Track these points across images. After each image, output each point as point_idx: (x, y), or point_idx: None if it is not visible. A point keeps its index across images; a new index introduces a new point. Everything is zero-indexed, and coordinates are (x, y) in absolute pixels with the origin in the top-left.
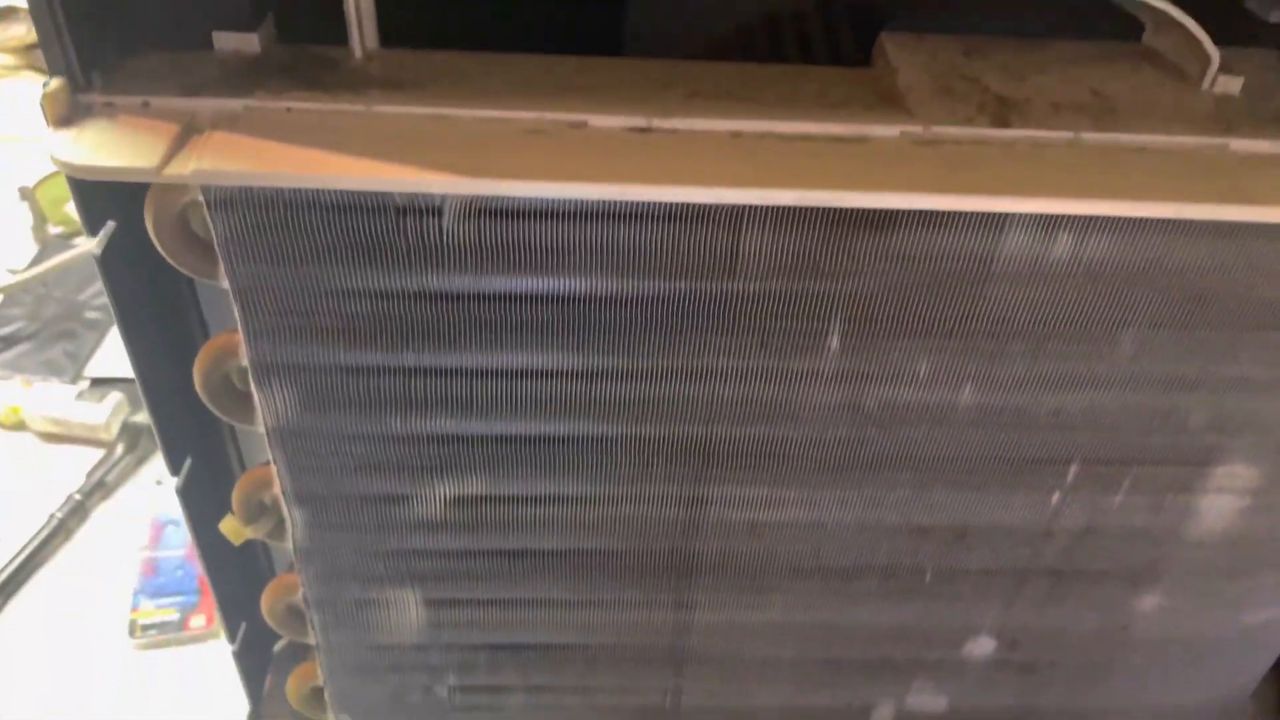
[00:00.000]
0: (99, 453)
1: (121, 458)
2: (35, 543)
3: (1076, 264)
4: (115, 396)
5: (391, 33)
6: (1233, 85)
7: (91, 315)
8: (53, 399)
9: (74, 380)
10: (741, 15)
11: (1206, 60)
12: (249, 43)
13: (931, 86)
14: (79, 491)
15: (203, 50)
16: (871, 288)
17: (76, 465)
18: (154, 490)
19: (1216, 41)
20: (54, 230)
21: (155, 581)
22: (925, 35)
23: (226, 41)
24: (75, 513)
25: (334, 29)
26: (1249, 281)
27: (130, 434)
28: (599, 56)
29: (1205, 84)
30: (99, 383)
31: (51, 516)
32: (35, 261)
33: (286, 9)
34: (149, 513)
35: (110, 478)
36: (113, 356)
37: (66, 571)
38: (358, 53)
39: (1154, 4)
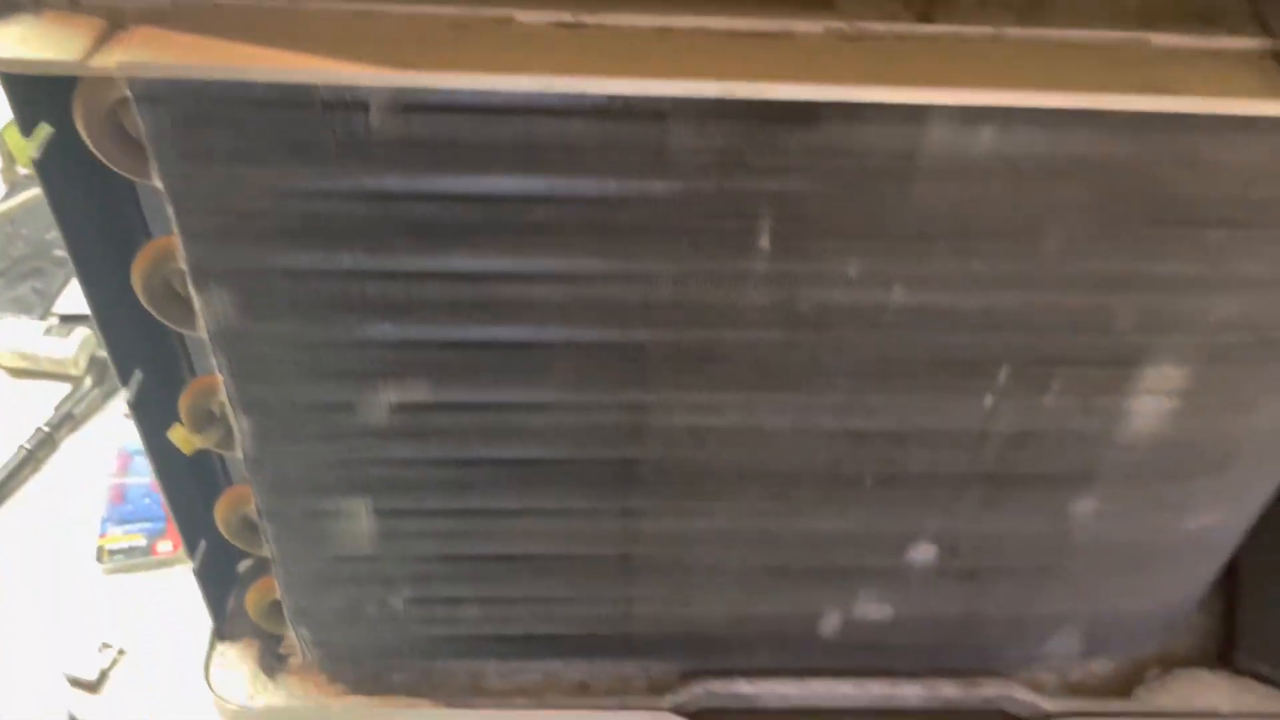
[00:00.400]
0: (68, 387)
1: (90, 391)
2: (4, 473)
3: (999, 159)
4: (83, 332)
5: None
6: None
7: (59, 253)
8: (21, 335)
9: (43, 317)
10: None
11: None
12: None
13: None
14: (47, 424)
15: None
16: (799, 186)
17: (46, 399)
18: (122, 422)
19: None
20: (22, 172)
21: (122, 509)
22: None
23: None
24: (44, 444)
25: None
26: (1171, 176)
27: (98, 368)
28: None
29: None
30: (67, 319)
31: (20, 448)
32: (3, 201)
33: None
34: (117, 443)
35: (78, 410)
36: (81, 294)
37: (36, 501)
38: None
39: None
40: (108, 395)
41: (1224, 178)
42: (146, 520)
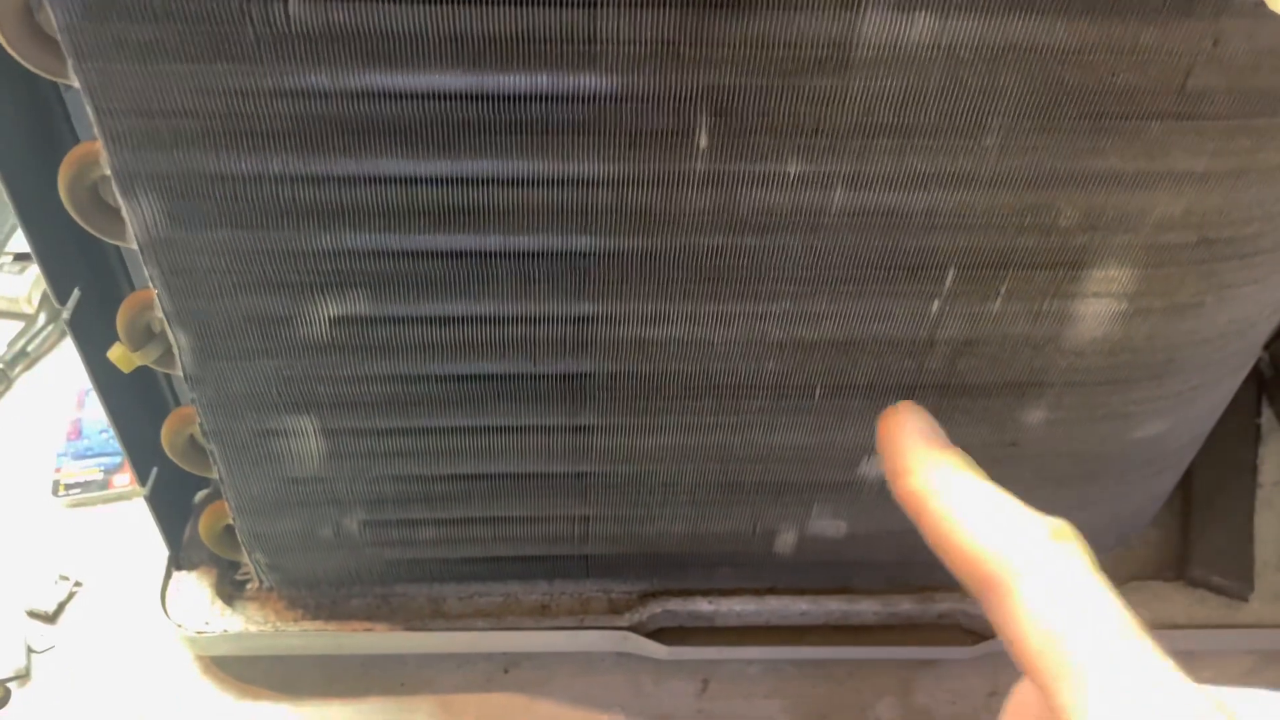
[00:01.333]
0: (22, 325)
1: (44, 328)
2: None
3: (936, 49)
4: (36, 269)
5: None
6: None
7: None
8: None
9: None
10: None
11: None
12: None
13: None
14: (0, 361)
15: None
16: (734, 81)
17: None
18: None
19: None
20: None
21: (79, 444)
22: None
23: None
24: None
25: None
26: (1109, 64)
27: (53, 307)
28: None
29: None
30: (20, 257)
31: None
32: None
33: None
34: (73, 380)
35: (32, 348)
36: None
37: None
38: None
39: None
40: (63, 334)
41: (1162, 66)
42: (104, 455)
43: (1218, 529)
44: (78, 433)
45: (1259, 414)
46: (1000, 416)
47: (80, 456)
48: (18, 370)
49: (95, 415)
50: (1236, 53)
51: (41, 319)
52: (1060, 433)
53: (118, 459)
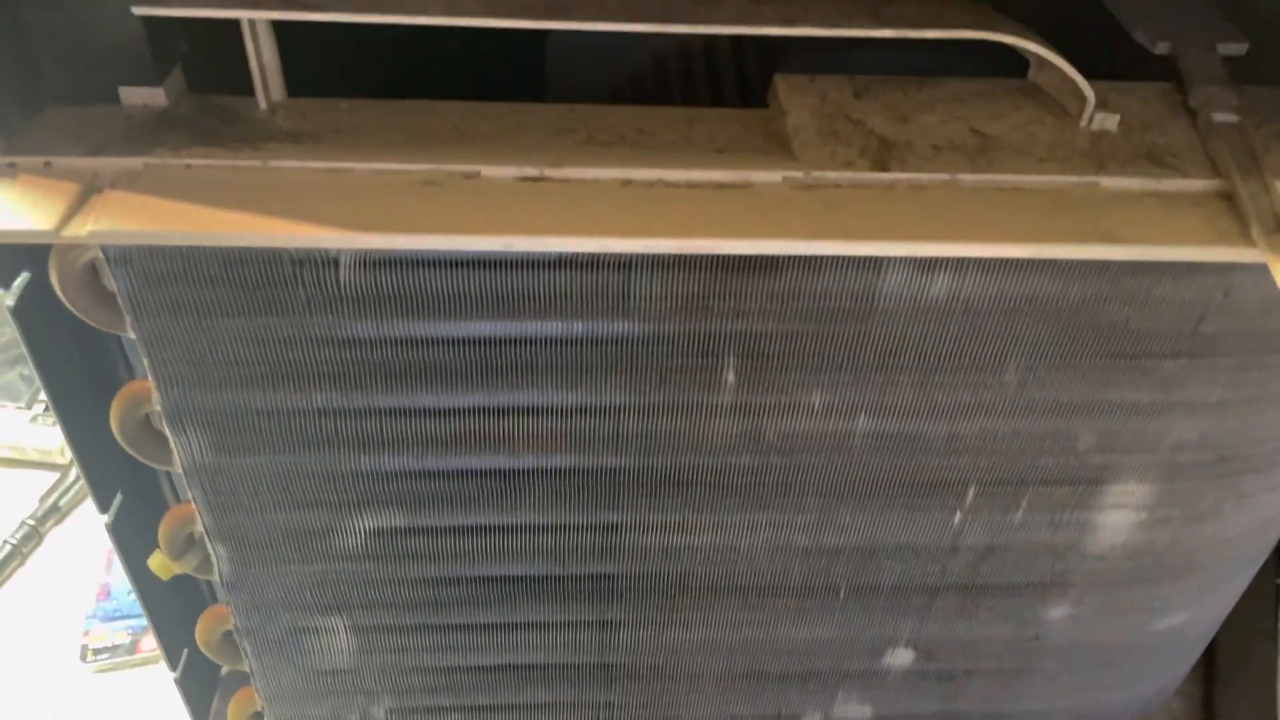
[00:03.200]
0: (54, 476)
1: (75, 481)
2: None
3: (955, 300)
4: None
5: (314, 82)
6: (1109, 122)
7: None
8: (7, 424)
9: (29, 405)
10: (655, 51)
11: (1085, 98)
12: (155, 96)
13: (818, 129)
14: (32, 517)
15: (111, 104)
16: (761, 326)
17: (32, 490)
18: None
19: (1108, 69)
20: None
21: (107, 605)
22: (819, 76)
23: (133, 96)
24: (29, 538)
25: (248, 75)
26: (1123, 314)
27: None
28: (502, 102)
29: (1084, 121)
30: None
31: (4, 543)
32: None
33: (198, 59)
34: (102, 536)
35: (64, 502)
36: None
37: (21, 596)
38: (263, 104)
39: (1032, 49)
40: None
41: (1175, 313)
42: (131, 617)
43: (1241, 697)
44: (106, 594)
45: (1279, 574)
46: (1023, 613)
47: (109, 619)
48: (48, 525)
49: (123, 578)
50: (1247, 300)
51: (74, 473)
52: (1082, 627)
53: (145, 621)
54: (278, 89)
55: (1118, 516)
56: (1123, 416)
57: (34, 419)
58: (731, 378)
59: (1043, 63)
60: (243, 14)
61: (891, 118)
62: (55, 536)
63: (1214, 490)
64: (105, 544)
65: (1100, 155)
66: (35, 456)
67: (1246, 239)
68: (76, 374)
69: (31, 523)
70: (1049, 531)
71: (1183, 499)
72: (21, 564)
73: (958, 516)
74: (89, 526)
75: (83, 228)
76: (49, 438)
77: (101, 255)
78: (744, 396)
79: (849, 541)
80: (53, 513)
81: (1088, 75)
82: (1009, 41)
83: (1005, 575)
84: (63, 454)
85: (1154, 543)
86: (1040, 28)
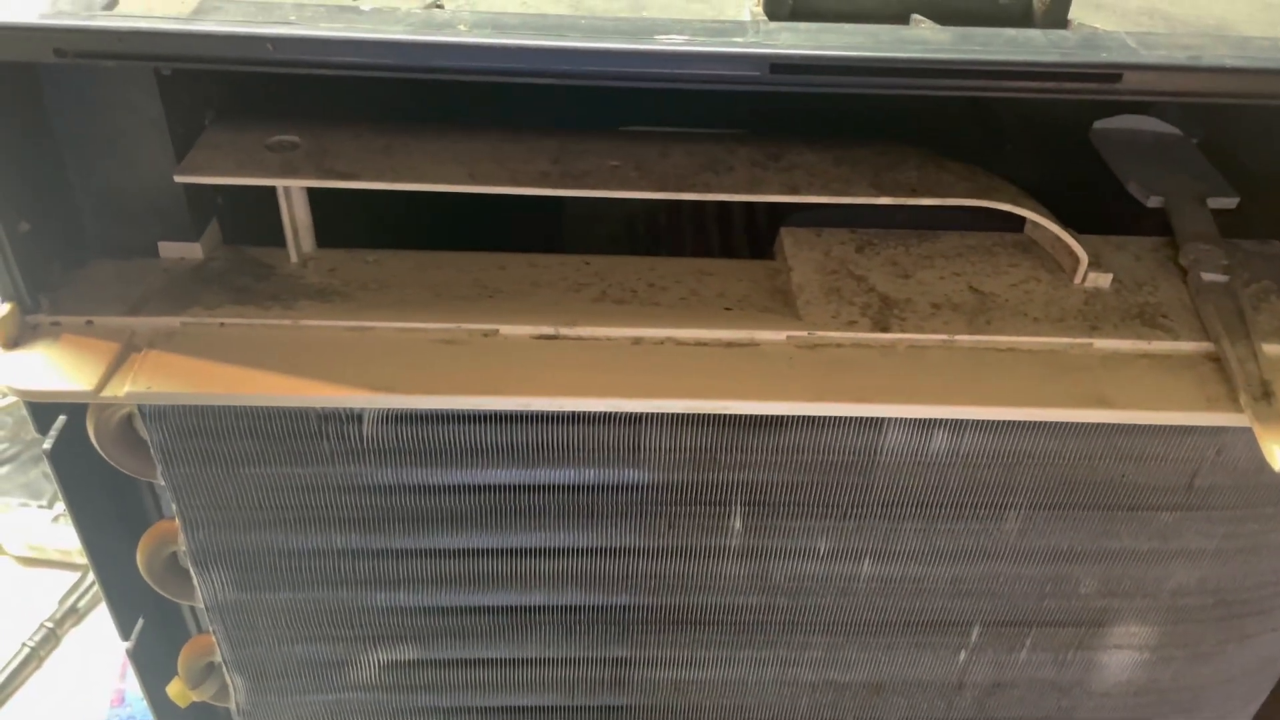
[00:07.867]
0: (75, 575)
1: (94, 584)
2: (7, 671)
3: (954, 456)
4: None
5: (345, 232)
6: (1103, 280)
7: None
8: (29, 524)
9: (51, 504)
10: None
11: (1078, 258)
12: (192, 251)
13: (821, 286)
14: (50, 619)
15: (149, 258)
16: (767, 477)
17: (52, 589)
18: None
19: (1102, 222)
20: None
21: (121, 711)
22: (824, 230)
23: (172, 250)
24: (47, 640)
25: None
26: (1118, 470)
27: None
28: (520, 254)
29: (1077, 279)
30: None
31: (23, 645)
32: None
33: (234, 213)
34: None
35: (82, 604)
36: None
37: (38, 700)
38: (294, 258)
39: (1025, 215)
40: None
41: (1169, 470)
42: None
43: None
44: (121, 700)
45: None
46: None
47: None
48: (66, 627)
49: (138, 686)
50: (1240, 458)
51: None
52: None
53: None
54: (308, 243)
55: (1122, 656)
56: (1122, 563)
57: (55, 519)
58: (738, 524)
59: (1037, 223)
60: (279, 183)
61: (893, 273)
62: (73, 638)
63: (1217, 632)
64: (121, 649)
65: (1093, 315)
66: (55, 556)
67: (1235, 404)
68: (107, 511)
69: (50, 625)
70: (1054, 669)
71: (1186, 640)
72: (39, 667)
73: (963, 655)
74: (106, 630)
75: (120, 388)
76: (69, 538)
77: (137, 410)
78: (750, 541)
79: (855, 677)
80: (71, 614)
81: (1083, 224)
82: (1004, 209)
83: (1012, 711)
84: (82, 554)
85: (1158, 680)
86: (1037, 179)
